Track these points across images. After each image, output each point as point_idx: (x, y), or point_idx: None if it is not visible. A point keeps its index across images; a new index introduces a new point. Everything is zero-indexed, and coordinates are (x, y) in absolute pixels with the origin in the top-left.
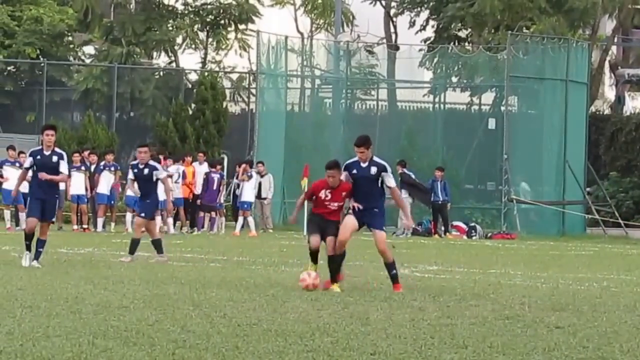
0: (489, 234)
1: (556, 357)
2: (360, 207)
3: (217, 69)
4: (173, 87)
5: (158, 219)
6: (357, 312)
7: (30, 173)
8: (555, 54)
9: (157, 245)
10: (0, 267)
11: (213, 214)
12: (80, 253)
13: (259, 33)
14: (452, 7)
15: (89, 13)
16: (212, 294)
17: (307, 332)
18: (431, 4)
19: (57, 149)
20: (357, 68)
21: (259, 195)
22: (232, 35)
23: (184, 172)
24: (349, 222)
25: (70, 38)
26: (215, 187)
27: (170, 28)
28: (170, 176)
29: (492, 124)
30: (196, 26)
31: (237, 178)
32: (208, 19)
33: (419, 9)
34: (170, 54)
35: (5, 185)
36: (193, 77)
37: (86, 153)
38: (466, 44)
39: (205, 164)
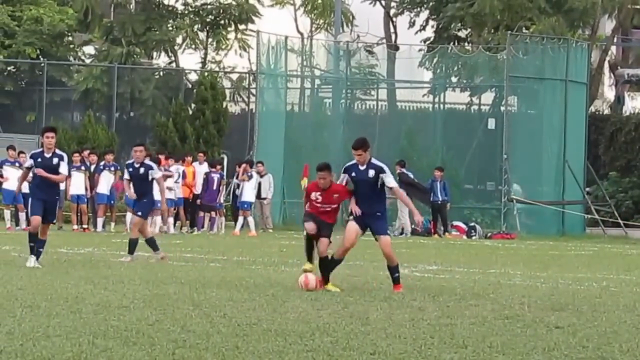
0: (489, 234)
1: (556, 357)
2: (360, 212)
3: (217, 69)
4: (173, 87)
5: (158, 218)
6: (357, 312)
7: (31, 174)
8: (555, 54)
9: (151, 243)
10: (0, 267)
11: (213, 213)
12: (80, 253)
13: (258, 33)
14: (452, 7)
15: (89, 13)
16: (212, 294)
17: (307, 331)
18: (431, 4)
19: (57, 151)
20: (357, 68)
21: (258, 195)
22: (232, 35)
23: (183, 172)
24: (352, 228)
25: (70, 38)
26: (215, 187)
27: (170, 28)
28: (170, 176)
29: (491, 124)
30: (196, 26)
31: (237, 178)
32: (208, 19)
33: (418, 9)
34: (170, 54)
35: (5, 185)
36: (193, 77)
37: (86, 153)
38: (466, 44)
39: (205, 164)
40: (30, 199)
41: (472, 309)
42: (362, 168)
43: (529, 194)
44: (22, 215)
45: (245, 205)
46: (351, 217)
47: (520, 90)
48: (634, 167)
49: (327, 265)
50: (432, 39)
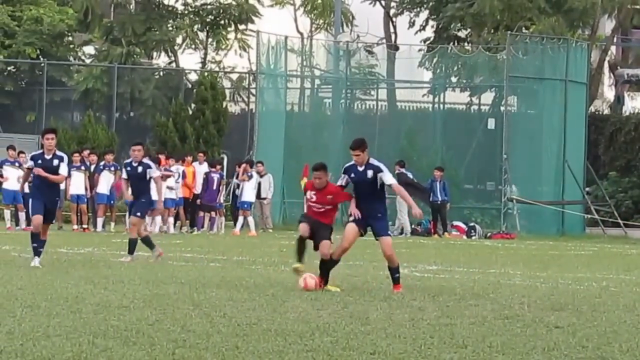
0: (489, 234)
1: (555, 357)
2: (360, 216)
3: (217, 69)
4: (173, 87)
5: (158, 218)
6: (357, 312)
7: (31, 175)
8: (555, 54)
9: (147, 242)
10: (0, 267)
11: (213, 213)
12: (80, 253)
13: (258, 33)
14: (452, 7)
15: (89, 13)
16: (212, 294)
17: (307, 331)
18: (431, 4)
19: (58, 152)
20: (356, 68)
21: (258, 195)
22: (232, 35)
23: (183, 172)
24: (351, 229)
25: (70, 38)
26: (215, 187)
27: (170, 28)
28: (169, 176)
29: (491, 124)
30: (196, 26)
31: (237, 178)
32: (208, 19)
33: (418, 9)
34: (170, 54)
35: (5, 185)
36: (193, 77)
37: (86, 153)
38: (466, 44)
39: (205, 164)
40: (30, 200)
41: (471, 308)
42: (360, 169)
43: (528, 194)
44: (21, 215)
45: (246, 205)
46: (351, 219)
47: (520, 90)
48: (633, 167)
49: (328, 266)
50: (431, 39)
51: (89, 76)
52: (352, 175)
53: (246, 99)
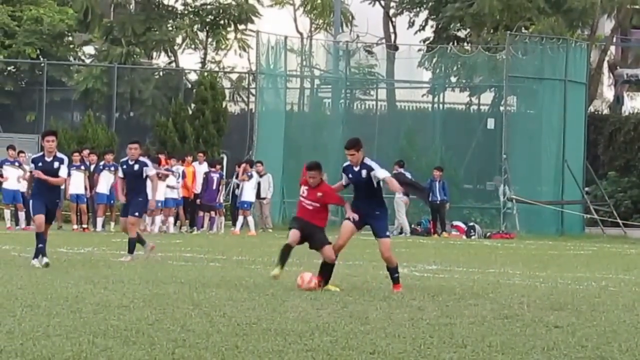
0: (488, 234)
1: (555, 357)
2: (357, 218)
3: (216, 69)
4: (173, 87)
5: (158, 218)
6: (357, 312)
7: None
8: (554, 54)
9: (138, 240)
10: (0, 267)
11: (212, 213)
12: (80, 253)
13: (258, 33)
14: (451, 7)
15: (89, 13)
16: (212, 294)
17: (307, 331)
18: (430, 4)
19: (58, 154)
20: (356, 68)
21: (258, 195)
22: (231, 35)
23: (183, 172)
24: (347, 227)
25: (70, 38)
26: (214, 187)
27: (170, 28)
28: (167, 175)
29: (491, 123)
30: (196, 26)
31: (237, 178)
32: (208, 19)
33: (418, 9)
34: (170, 54)
35: (5, 185)
36: (193, 77)
37: (86, 153)
38: (465, 44)
39: (205, 164)
40: (31, 200)
41: (471, 308)
42: (356, 169)
43: (528, 194)
44: (21, 215)
45: (246, 205)
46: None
47: (520, 90)
48: (632, 166)
49: (329, 267)
50: (431, 39)
51: (88, 76)
52: (350, 175)
53: (246, 99)
